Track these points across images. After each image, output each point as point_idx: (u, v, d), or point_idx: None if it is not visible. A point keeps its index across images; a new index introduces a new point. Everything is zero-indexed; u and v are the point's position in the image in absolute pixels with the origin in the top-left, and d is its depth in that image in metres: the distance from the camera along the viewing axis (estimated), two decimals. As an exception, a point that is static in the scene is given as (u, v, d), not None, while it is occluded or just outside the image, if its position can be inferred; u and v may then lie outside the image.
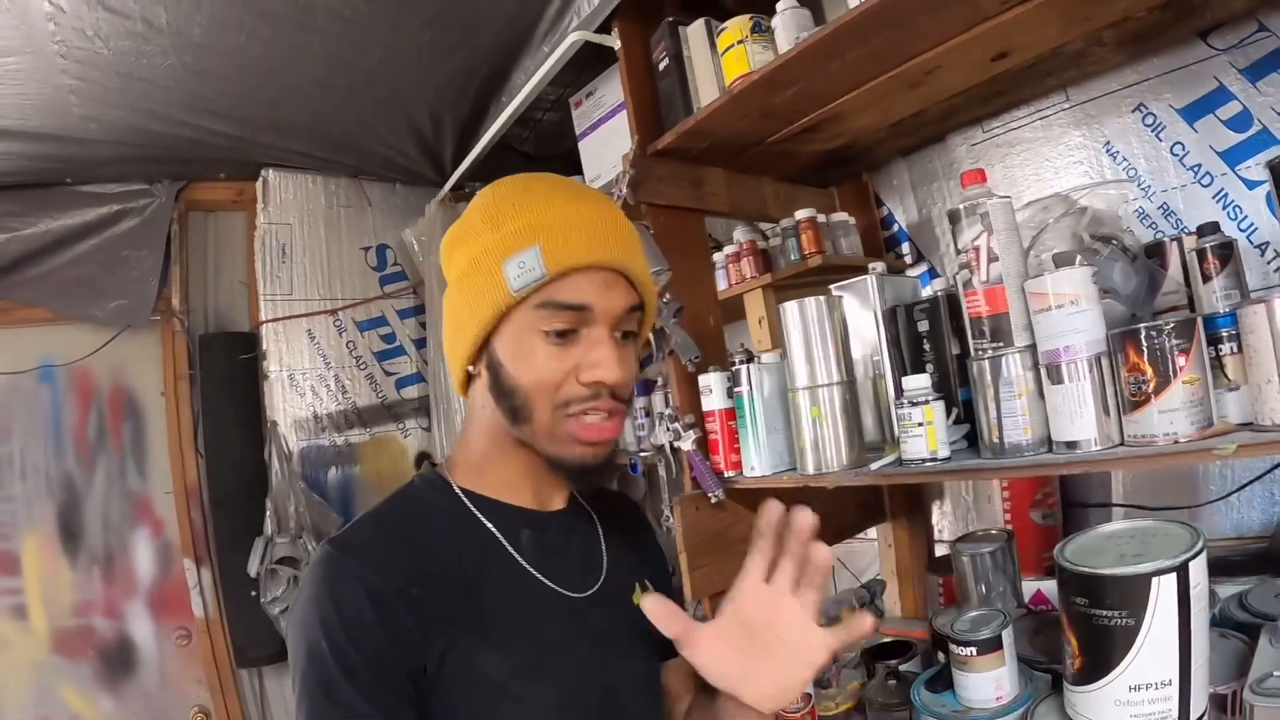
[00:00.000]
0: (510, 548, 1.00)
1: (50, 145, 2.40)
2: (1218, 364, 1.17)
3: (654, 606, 0.90)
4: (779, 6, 1.59)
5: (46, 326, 2.70)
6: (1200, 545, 1.05)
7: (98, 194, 2.72)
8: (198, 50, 2.07)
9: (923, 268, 2.22)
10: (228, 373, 2.82)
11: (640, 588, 1.12)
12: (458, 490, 1.03)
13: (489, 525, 1.01)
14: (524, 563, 1.00)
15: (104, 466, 2.76)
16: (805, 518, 0.92)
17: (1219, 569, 1.47)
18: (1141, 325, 1.12)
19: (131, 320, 2.74)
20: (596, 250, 0.94)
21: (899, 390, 1.44)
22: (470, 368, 1.01)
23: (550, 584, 1.01)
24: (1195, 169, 1.71)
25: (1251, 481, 1.68)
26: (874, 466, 1.40)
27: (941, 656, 1.61)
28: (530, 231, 0.93)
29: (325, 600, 0.88)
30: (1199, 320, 1.12)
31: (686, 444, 1.71)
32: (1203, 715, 1.05)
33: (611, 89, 2.22)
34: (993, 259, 1.27)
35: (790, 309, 1.50)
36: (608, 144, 2.25)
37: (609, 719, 1.01)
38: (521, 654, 0.94)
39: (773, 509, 0.94)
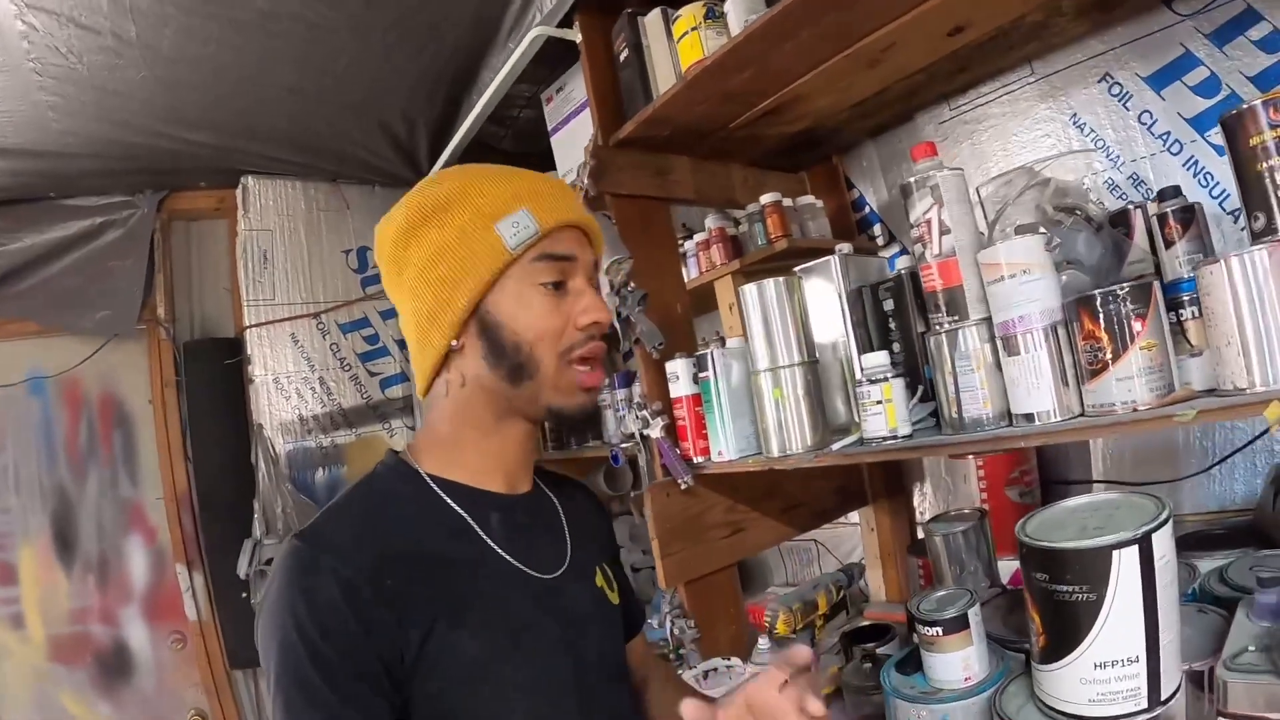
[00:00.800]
0: (480, 531, 1.01)
1: (31, 161, 2.42)
2: (1179, 329, 1.16)
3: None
4: (730, -10, 1.59)
5: (34, 339, 2.73)
6: (1164, 516, 1.01)
7: (81, 207, 2.74)
8: (168, 62, 2.08)
9: (895, 249, 2.21)
10: (213, 378, 2.84)
11: (600, 571, 1.15)
12: (424, 476, 1.02)
13: (458, 509, 1.01)
14: (494, 545, 1.01)
15: (96, 475, 2.78)
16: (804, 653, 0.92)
17: (1202, 543, 1.45)
18: (1096, 292, 1.11)
19: (118, 330, 2.76)
20: (574, 209, 1.05)
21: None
22: (454, 342, 1.01)
23: (520, 565, 1.02)
24: (1164, 137, 1.69)
25: (1233, 454, 1.67)
26: (835, 447, 1.39)
27: (915, 638, 1.60)
28: (515, 197, 1.00)
29: (297, 595, 0.87)
30: (1155, 284, 1.10)
31: (655, 431, 1.70)
32: (1175, 693, 1.02)
33: (579, 84, 2.20)
34: (945, 231, 1.26)
35: (749, 291, 1.50)
36: (578, 138, 2.23)
37: (579, 696, 1.02)
38: (496, 636, 0.95)
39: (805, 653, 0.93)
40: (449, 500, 1.01)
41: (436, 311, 1.00)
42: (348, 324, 3.10)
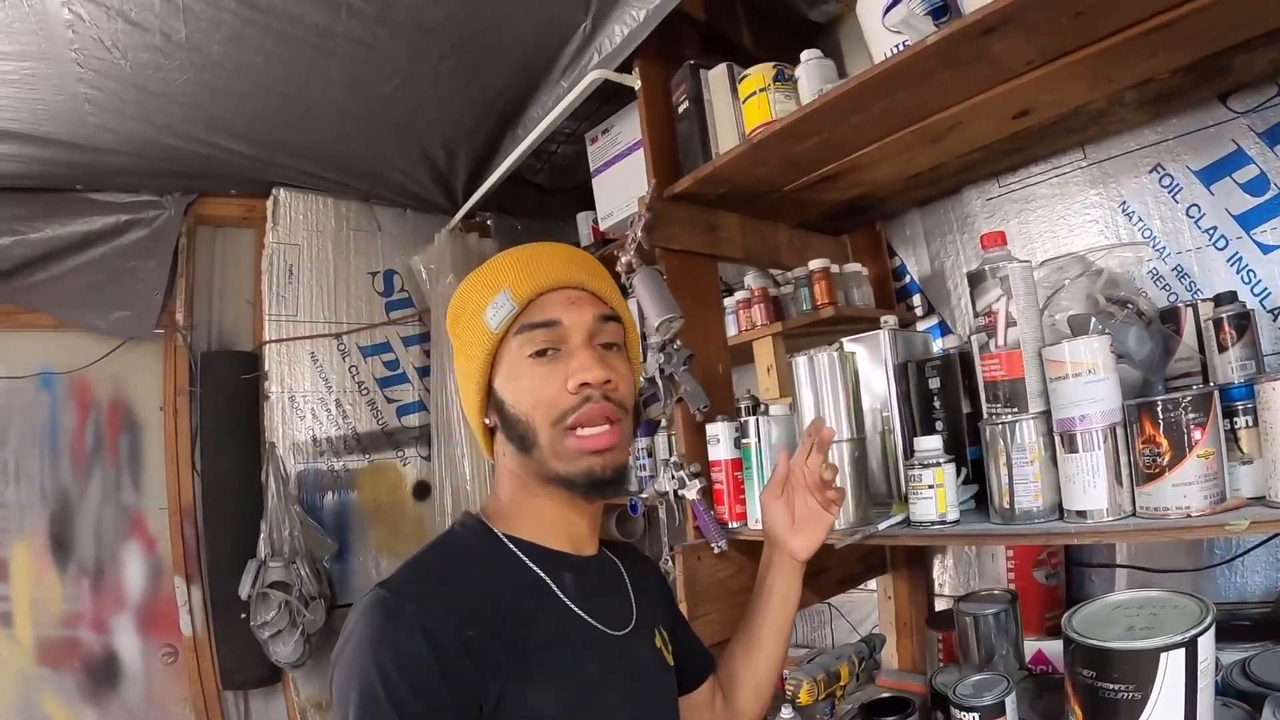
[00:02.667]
0: (555, 588, 1.04)
1: (63, 151, 2.38)
2: (1232, 436, 1.17)
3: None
4: (803, 56, 1.60)
5: (49, 333, 2.68)
6: (1209, 620, 1.04)
7: (107, 202, 2.70)
8: (215, 68, 2.06)
9: (933, 320, 2.21)
10: (228, 391, 2.80)
11: (658, 633, 1.18)
12: (499, 534, 1.06)
13: (533, 566, 1.04)
14: (569, 602, 1.03)
15: (99, 478, 2.73)
16: (829, 432, 1.28)
17: (1220, 634, 1.44)
18: (1158, 398, 1.12)
19: (135, 332, 2.72)
20: (556, 273, 1.05)
21: (910, 450, 1.43)
22: (486, 420, 1.10)
23: (594, 622, 1.05)
24: (1210, 232, 1.71)
25: (1255, 547, 1.67)
26: (882, 526, 1.38)
27: (940, 716, 1.58)
28: (497, 281, 1.05)
29: (381, 645, 0.87)
30: (1215, 394, 1.11)
31: (691, 493, 1.69)
32: None
33: (628, 127, 2.22)
34: (1011, 324, 1.26)
35: (801, 363, 1.50)
36: (622, 182, 2.25)
37: None
38: (570, 692, 0.98)
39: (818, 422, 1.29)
40: (525, 559, 1.04)
41: (468, 398, 1.10)
42: (369, 347, 3.06)
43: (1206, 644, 1.03)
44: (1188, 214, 1.74)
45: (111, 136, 2.33)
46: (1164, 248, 1.77)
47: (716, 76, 1.77)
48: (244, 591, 2.50)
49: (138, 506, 2.77)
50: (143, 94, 2.13)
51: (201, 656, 2.72)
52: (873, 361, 1.61)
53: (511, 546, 1.04)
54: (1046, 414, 1.24)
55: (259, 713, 2.79)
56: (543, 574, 1.04)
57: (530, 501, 1.08)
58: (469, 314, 1.07)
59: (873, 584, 2.25)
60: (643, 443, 2.26)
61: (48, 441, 2.68)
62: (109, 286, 2.69)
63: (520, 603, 1.00)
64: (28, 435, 2.65)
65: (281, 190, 2.86)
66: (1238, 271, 1.67)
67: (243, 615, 2.54)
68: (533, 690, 0.93)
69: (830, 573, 1.99)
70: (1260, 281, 1.65)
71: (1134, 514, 1.16)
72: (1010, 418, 1.26)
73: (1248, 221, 1.66)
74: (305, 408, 2.88)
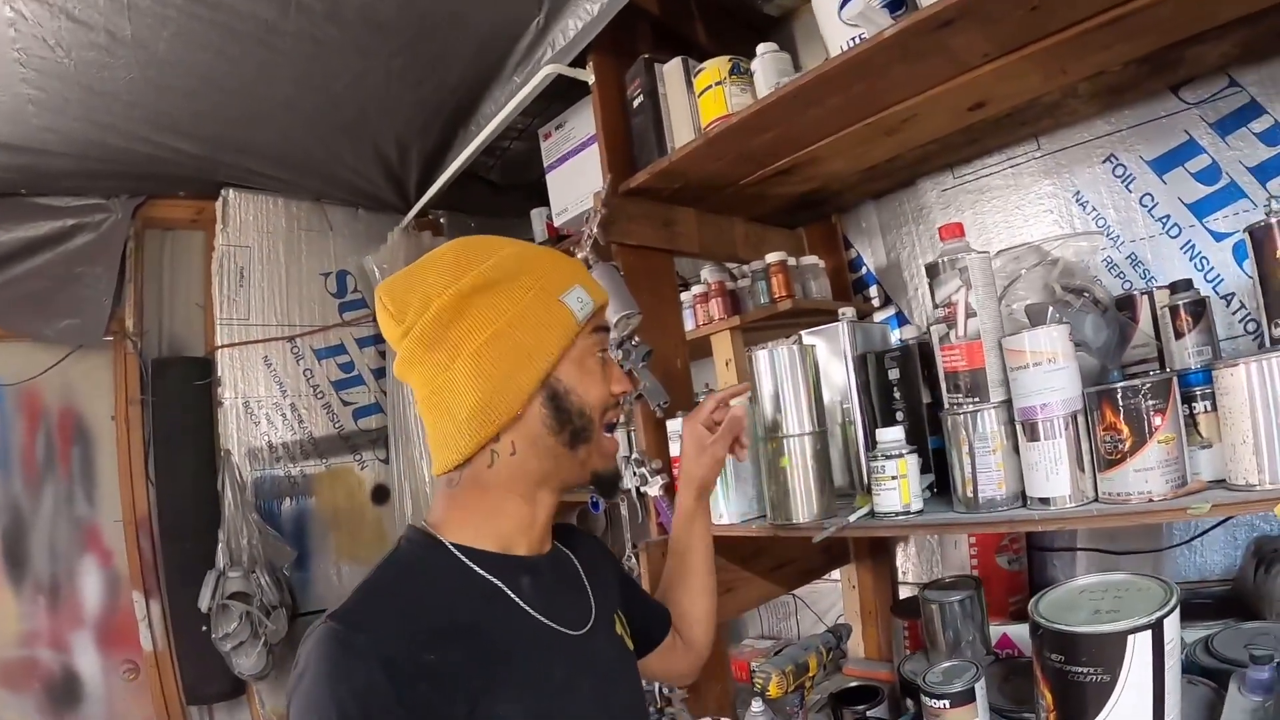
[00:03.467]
0: (513, 595, 1.01)
1: (5, 154, 2.31)
2: (1191, 422, 1.19)
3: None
4: (759, 50, 1.59)
5: (-6, 344, 2.60)
6: (1174, 602, 1.05)
7: (53, 207, 2.62)
8: (162, 65, 2.01)
9: (890, 311, 2.23)
10: (181, 399, 2.73)
11: (617, 619, 1.18)
12: (449, 545, 1.01)
13: (487, 575, 1.00)
14: (528, 608, 1.01)
15: (51, 492, 2.65)
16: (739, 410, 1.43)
17: (1182, 613, 1.48)
18: (1118, 385, 1.13)
19: (83, 340, 2.64)
20: (603, 290, 1.11)
21: (871, 442, 1.43)
22: (521, 411, 1.02)
23: (554, 625, 1.03)
24: (1164, 220, 1.74)
25: (1213, 527, 1.71)
26: (852, 519, 1.38)
27: (910, 704, 1.60)
28: (571, 274, 1.07)
29: (337, 679, 0.84)
30: (1174, 380, 1.13)
31: (654, 489, 1.69)
32: None
33: (582, 122, 2.21)
34: (971, 314, 1.26)
35: (761, 357, 1.49)
36: (576, 177, 2.24)
37: None
38: (538, 700, 0.96)
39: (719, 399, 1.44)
40: (478, 569, 1.00)
41: (510, 378, 1.00)
42: (323, 349, 3.01)
43: (1172, 625, 1.04)
44: (1141, 203, 1.77)
45: (55, 137, 2.27)
46: (1118, 236, 1.80)
47: (671, 70, 1.76)
48: (204, 603, 2.46)
49: (92, 519, 2.70)
50: (87, 93, 2.08)
51: (164, 671, 2.66)
52: (831, 353, 1.62)
53: (463, 558, 1.01)
54: (1007, 403, 1.25)
55: (222, 728, 2.75)
56: (499, 582, 1.01)
57: (515, 504, 1.05)
58: (537, 291, 1.02)
59: (836, 574, 2.26)
60: (603, 441, 2.24)
61: (-3, 455, 2.60)
62: (56, 293, 2.62)
63: (478, 615, 0.97)
64: (-24, 449, 2.57)
65: (231, 191, 2.80)
66: (1191, 259, 1.70)
67: (204, 628, 2.49)
68: (500, 705, 0.91)
69: (794, 564, 2.01)
70: (1213, 269, 1.68)
71: (1096, 500, 1.17)
72: (972, 407, 1.27)
73: (1200, 210, 1.69)
74: (260, 413, 2.83)
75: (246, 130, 2.43)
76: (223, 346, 2.77)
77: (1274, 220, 1.12)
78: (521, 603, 1.01)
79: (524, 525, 1.06)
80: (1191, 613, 1.45)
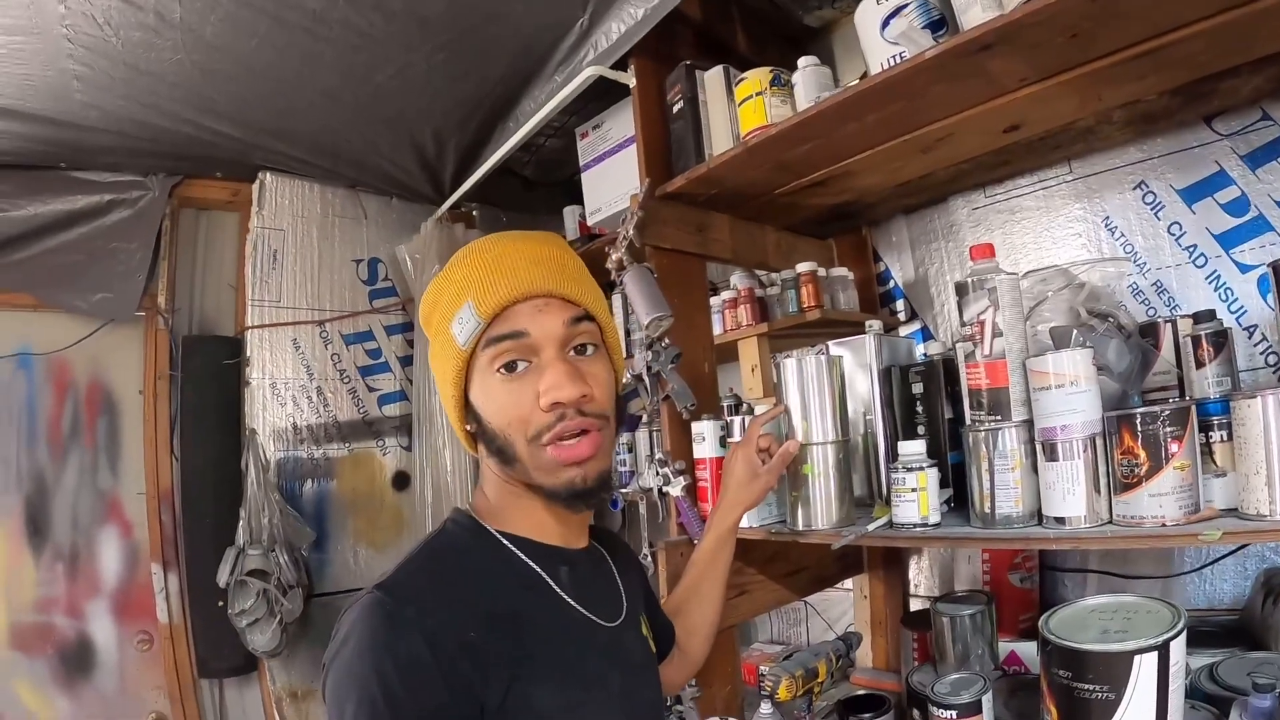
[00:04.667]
0: (551, 582, 1.03)
1: (47, 128, 2.35)
2: (1207, 450, 1.21)
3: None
4: (801, 63, 1.61)
5: (28, 313, 2.63)
6: (1181, 625, 1.08)
7: (91, 181, 2.65)
8: (208, 49, 2.04)
9: (916, 325, 2.25)
10: (209, 376, 2.77)
11: (643, 621, 1.21)
12: (493, 531, 1.04)
13: (529, 562, 1.03)
14: (565, 596, 1.03)
15: (76, 462, 2.69)
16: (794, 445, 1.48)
17: (1189, 640, 1.49)
18: (1137, 410, 1.15)
19: (116, 314, 2.68)
20: (519, 284, 1.00)
21: (893, 454, 1.46)
22: (467, 426, 1.07)
23: (589, 615, 1.05)
24: (1190, 249, 1.75)
25: (1224, 556, 1.73)
26: (870, 528, 1.40)
27: (916, 714, 1.62)
28: (461, 292, 1.01)
29: (381, 649, 0.85)
30: (1193, 409, 1.14)
31: (676, 490, 1.70)
32: None
33: (619, 123, 2.23)
34: (997, 334, 1.28)
35: (789, 365, 1.51)
36: (611, 177, 2.27)
37: None
38: (570, 689, 0.97)
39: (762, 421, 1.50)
40: (521, 554, 1.03)
41: (446, 402, 1.08)
42: (351, 335, 3.04)
43: (1178, 648, 1.07)
44: (1169, 231, 1.78)
45: (98, 114, 2.30)
46: (1145, 263, 1.81)
47: (712, 78, 1.79)
48: (222, 579, 2.49)
49: (115, 491, 2.73)
50: (132, 72, 2.11)
51: (177, 644, 2.69)
52: (857, 365, 1.64)
53: (506, 543, 1.03)
54: (1028, 422, 1.27)
55: (234, 701, 2.77)
56: (539, 569, 1.03)
57: (518, 502, 1.06)
58: (438, 319, 1.05)
59: (849, 583, 2.28)
60: (623, 439, 2.26)
61: (24, 423, 2.63)
62: (90, 267, 2.65)
63: (518, 599, 0.99)
64: (4, 416, 2.60)
65: (268, 174, 2.82)
66: (1215, 289, 1.72)
67: (220, 603, 2.52)
68: (534, 690, 0.92)
69: (808, 571, 2.02)
70: (1237, 300, 1.69)
71: (1111, 522, 1.19)
72: (993, 425, 1.28)
73: (1228, 241, 1.71)
74: (286, 394, 2.86)
75: (287, 117, 2.46)
76: (253, 327, 2.79)
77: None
78: (560, 591, 1.03)
79: (542, 519, 1.06)
80: (1198, 640, 1.49)
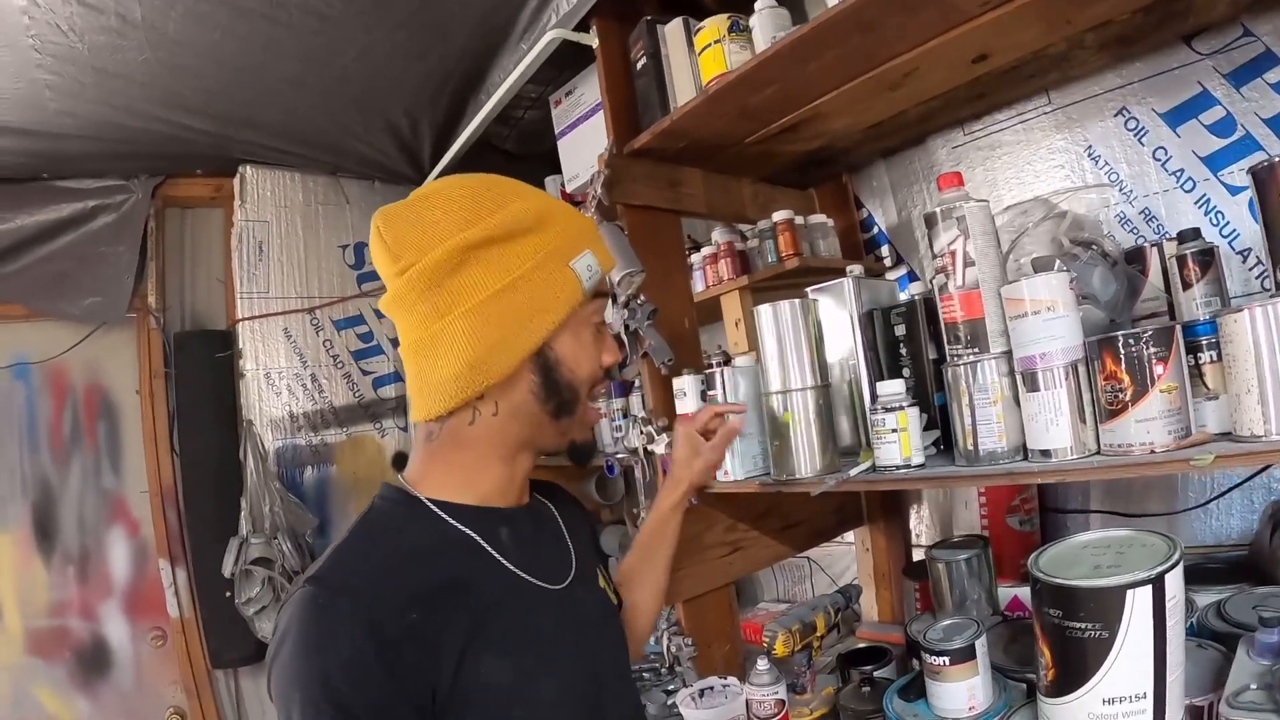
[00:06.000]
0: (492, 550, 0.99)
1: (26, 140, 2.37)
2: (1196, 372, 1.16)
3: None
4: (757, 5, 1.58)
5: (21, 323, 2.67)
6: (1176, 557, 1.03)
7: (74, 189, 2.68)
8: (173, 46, 2.04)
9: (902, 270, 2.21)
10: (203, 371, 2.79)
11: (600, 573, 1.18)
12: (424, 500, 0.99)
13: (467, 530, 0.98)
14: (507, 563, 0.99)
15: (79, 465, 2.73)
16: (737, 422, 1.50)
17: (1196, 577, 1.45)
18: (1119, 333, 1.10)
19: (107, 317, 2.71)
20: (611, 256, 1.07)
21: (874, 395, 1.42)
22: (532, 374, 1.01)
23: (534, 580, 1.01)
24: (1178, 174, 1.70)
25: (1231, 489, 1.68)
26: (852, 473, 1.38)
27: (916, 663, 1.59)
28: (582, 236, 1.02)
29: (320, 647, 0.82)
30: (1177, 328, 1.10)
31: (660, 448, 1.69)
32: None
33: (591, 87, 2.20)
34: (969, 264, 1.25)
35: (764, 312, 1.48)
36: (586, 142, 2.24)
37: (599, 701, 1.04)
38: (522, 655, 0.95)
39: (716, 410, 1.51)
40: (455, 522, 0.98)
41: (505, 340, 0.96)
42: (342, 320, 3.06)
43: (1174, 581, 1.01)
44: (1154, 157, 1.73)
45: (73, 121, 2.31)
46: (1131, 191, 1.76)
47: (673, 31, 1.75)
48: (227, 569, 2.51)
49: (119, 491, 2.77)
50: (102, 76, 2.12)
51: (190, 637, 2.73)
52: (838, 310, 1.60)
53: (439, 512, 0.98)
54: (1008, 354, 1.22)
55: (249, 690, 2.81)
56: (476, 536, 0.98)
57: (494, 464, 1.03)
58: (549, 251, 0.98)
59: (850, 537, 2.26)
60: (618, 403, 2.25)
61: (26, 432, 2.68)
62: (80, 273, 2.68)
63: (458, 569, 0.95)
64: (5, 426, 2.65)
65: (248, 167, 2.84)
66: (1206, 213, 1.66)
67: (228, 594, 2.54)
68: (485, 661, 0.90)
69: (804, 525, 2.01)
70: (1229, 223, 1.64)
71: (1098, 452, 1.15)
72: (971, 358, 1.25)
73: (1215, 163, 1.65)
74: (281, 384, 2.88)
75: (257, 107, 2.46)
76: (243, 319, 2.82)
77: (1277, 160, 1.09)
78: (500, 557, 0.99)
79: (501, 484, 1.04)
80: (1206, 577, 1.45)
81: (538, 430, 1.03)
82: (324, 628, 0.83)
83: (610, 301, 1.12)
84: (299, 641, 0.83)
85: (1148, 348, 1.08)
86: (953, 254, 1.26)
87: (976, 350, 1.25)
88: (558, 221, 1.00)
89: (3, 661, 2.54)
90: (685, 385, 1.67)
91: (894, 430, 1.32)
